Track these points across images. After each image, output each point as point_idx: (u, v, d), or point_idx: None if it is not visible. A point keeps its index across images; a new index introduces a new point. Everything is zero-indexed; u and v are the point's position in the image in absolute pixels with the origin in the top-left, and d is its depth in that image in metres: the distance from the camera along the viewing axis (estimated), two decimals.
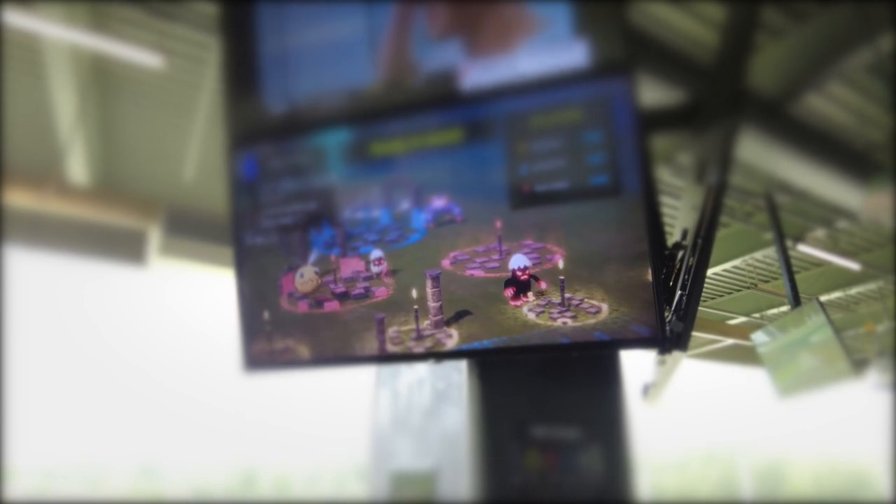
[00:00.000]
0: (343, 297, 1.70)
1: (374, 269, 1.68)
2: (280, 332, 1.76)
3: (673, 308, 1.73)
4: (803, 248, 5.76)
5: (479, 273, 1.62)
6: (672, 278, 1.88)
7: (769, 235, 5.38)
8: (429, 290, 1.69)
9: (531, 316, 1.64)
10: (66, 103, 4.01)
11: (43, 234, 3.41)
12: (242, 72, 1.79)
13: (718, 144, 1.84)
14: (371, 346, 1.76)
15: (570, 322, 1.61)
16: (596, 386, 1.86)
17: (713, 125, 1.87)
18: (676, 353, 1.74)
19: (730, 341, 7.15)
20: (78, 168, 4.37)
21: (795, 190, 4.96)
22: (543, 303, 1.64)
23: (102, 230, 3.49)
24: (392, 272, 1.68)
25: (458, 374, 1.77)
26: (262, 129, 1.76)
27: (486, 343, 1.66)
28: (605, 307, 1.59)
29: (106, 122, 4.45)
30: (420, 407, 1.90)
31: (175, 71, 4.08)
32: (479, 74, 1.60)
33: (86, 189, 3.99)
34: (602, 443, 1.77)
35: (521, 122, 1.56)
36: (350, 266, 1.69)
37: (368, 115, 1.67)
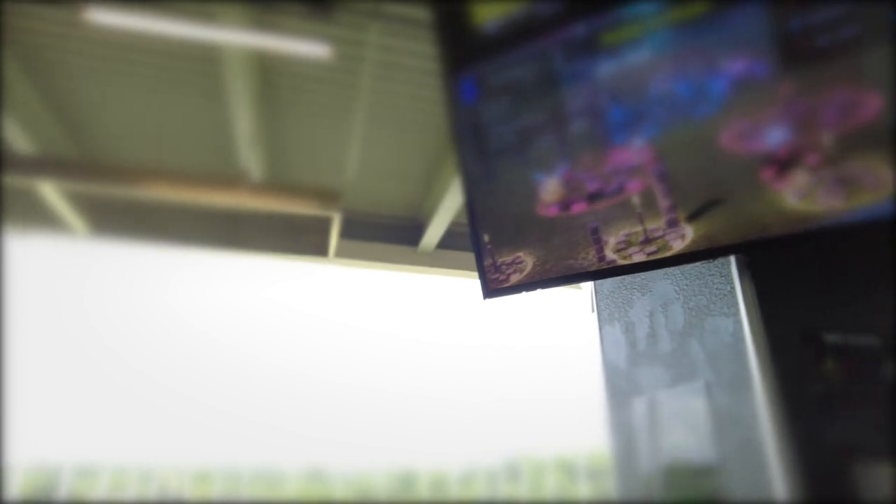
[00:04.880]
0: (595, 196, 1.59)
1: (638, 157, 1.55)
2: (517, 243, 1.69)
3: None
4: None
5: (757, 146, 1.42)
6: None
7: None
8: (657, 187, 1.52)
9: (792, 200, 1.40)
10: (243, 113, 4.38)
11: (241, 231, 3.72)
12: None
13: None
14: (592, 258, 1.63)
15: (837, 204, 1.36)
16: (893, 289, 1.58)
17: None
18: None
19: None
20: (253, 174, 4.76)
21: None
22: (815, 180, 1.39)
23: (292, 224, 3.74)
24: (659, 157, 1.53)
25: (725, 281, 1.59)
26: (481, 47, 1.72)
27: (723, 244, 1.46)
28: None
29: (273, 130, 4.81)
30: (672, 329, 1.74)
31: (334, 73, 4.31)
32: None
33: (274, 185, 4.32)
34: None
35: None
36: (614, 158, 1.58)
37: (591, 8, 1.56)
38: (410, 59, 4.18)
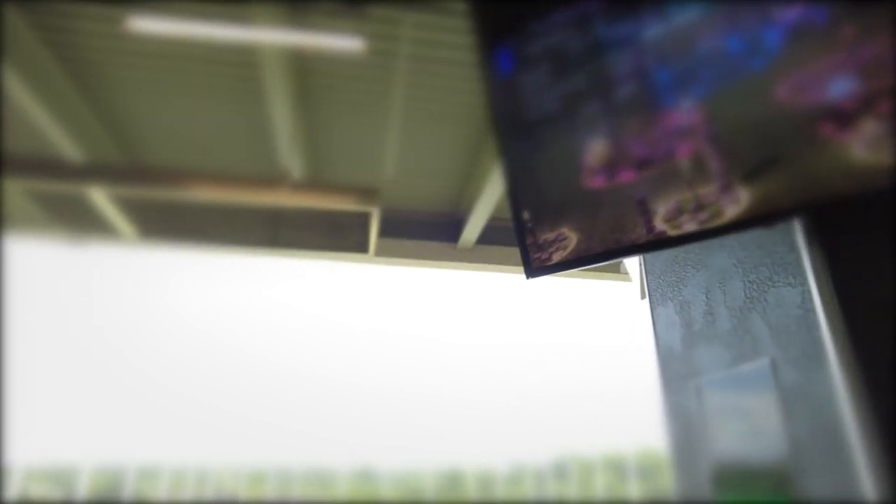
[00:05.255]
0: (643, 163, 1.49)
1: (688, 119, 1.44)
2: (560, 219, 1.61)
3: None
4: None
5: (819, 97, 1.30)
6: None
7: None
8: (708, 149, 1.41)
9: (860, 153, 1.27)
10: (281, 114, 4.43)
11: (283, 231, 3.76)
12: None
13: None
14: (640, 230, 1.52)
15: None
16: None
17: None
18: None
19: None
20: (293, 173, 4.81)
21: None
22: (887, 129, 1.25)
23: (332, 223, 3.76)
24: (710, 118, 1.43)
25: (789, 248, 1.46)
26: (515, 16, 1.65)
27: (784, 207, 1.32)
28: None
29: (311, 130, 4.85)
30: (731, 305, 1.62)
31: (369, 70, 4.30)
32: None
33: (313, 184, 4.36)
34: None
35: None
36: (662, 121, 1.48)
37: None
38: (445, 51, 4.13)
